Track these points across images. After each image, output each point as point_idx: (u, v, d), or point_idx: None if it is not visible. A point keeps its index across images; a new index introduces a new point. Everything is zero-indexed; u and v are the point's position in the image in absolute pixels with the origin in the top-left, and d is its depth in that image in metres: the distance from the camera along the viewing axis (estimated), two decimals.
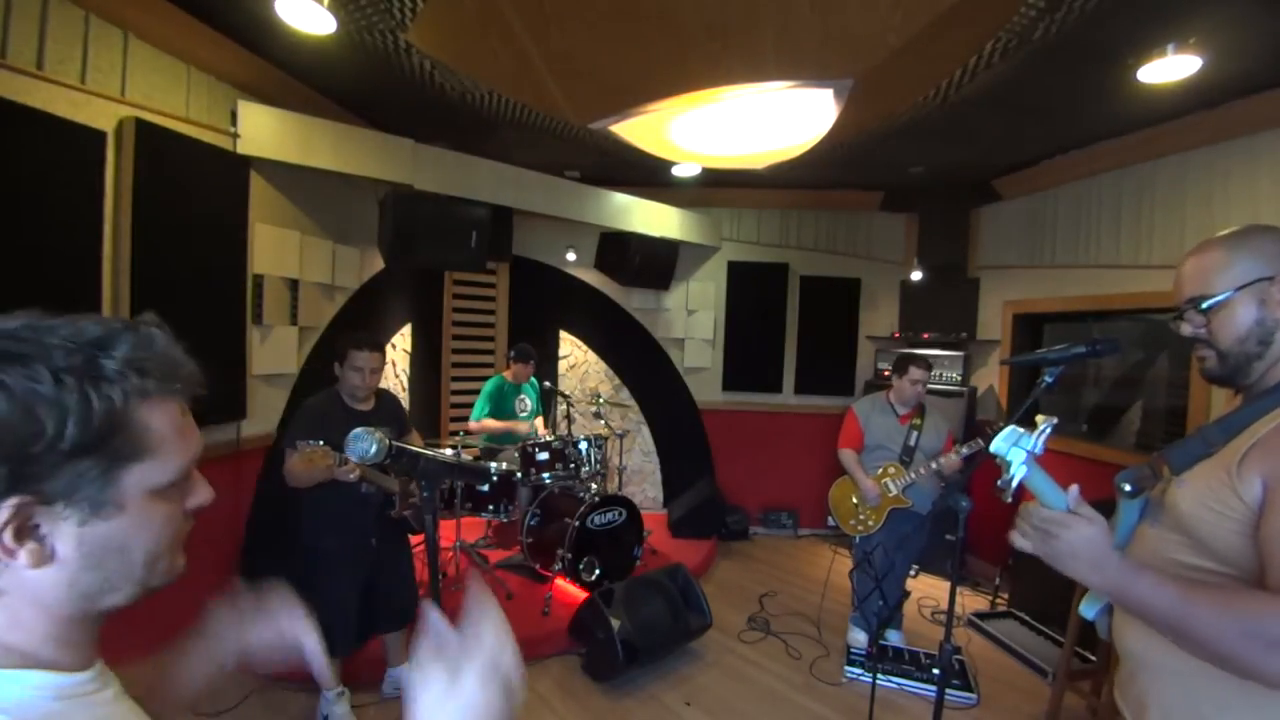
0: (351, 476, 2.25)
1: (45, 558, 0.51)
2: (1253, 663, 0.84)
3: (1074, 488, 0.99)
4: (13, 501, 0.49)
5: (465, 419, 4.95)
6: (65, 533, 0.52)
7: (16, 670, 0.52)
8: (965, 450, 3.17)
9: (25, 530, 0.50)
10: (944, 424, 3.43)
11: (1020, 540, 1.02)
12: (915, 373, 3.27)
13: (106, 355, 0.52)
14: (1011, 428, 1.03)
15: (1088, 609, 1.21)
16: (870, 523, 3.31)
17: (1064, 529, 0.96)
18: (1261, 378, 1.04)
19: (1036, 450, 1.01)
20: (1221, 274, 1.03)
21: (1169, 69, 2.50)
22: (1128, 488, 1.15)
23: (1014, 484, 1.01)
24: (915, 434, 3.32)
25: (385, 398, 2.71)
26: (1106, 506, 1.17)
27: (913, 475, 3.23)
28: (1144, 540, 1.11)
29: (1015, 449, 1.01)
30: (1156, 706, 1.03)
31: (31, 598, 0.53)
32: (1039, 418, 1.06)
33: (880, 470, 3.30)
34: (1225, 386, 1.10)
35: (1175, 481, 1.07)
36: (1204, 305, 1.04)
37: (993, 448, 1.04)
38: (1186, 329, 1.08)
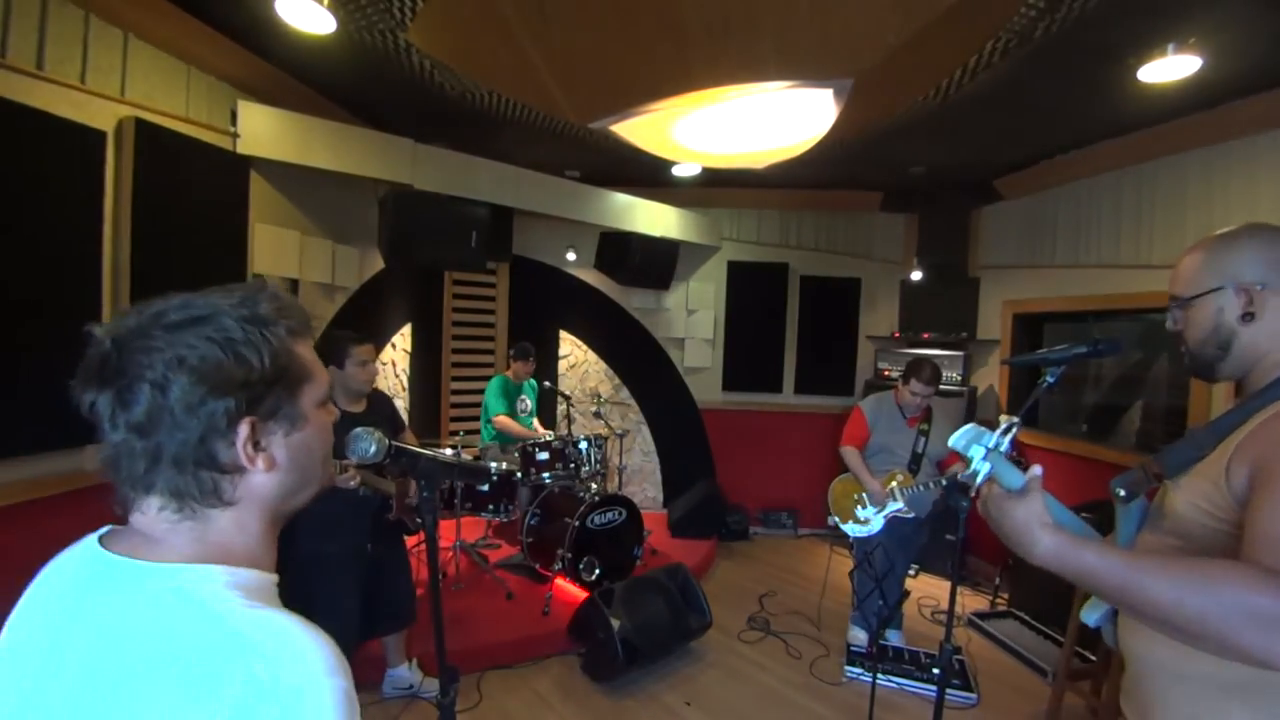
0: (352, 484, 2.24)
1: (272, 463, 0.66)
2: (1213, 634, 0.79)
3: (1035, 468, 0.96)
4: (249, 420, 0.63)
5: (465, 419, 4.96)
6: (278, 443, 0.67)
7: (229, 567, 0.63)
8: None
9: (256, 444, 0.65)
10: (950, 430, 3.39)
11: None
12: (916, 385, 3.20)
13: (260, 307, 0.65)
14: (971, 425, 1.04)
15: (1089, 615, 1.20)
16: (870, 525, 3.30)
17: (994, 510, 0.94)
18: (1246, 380, 1.05)
19: (1003, 447, 1.01)
20: (1193, 277, 1.07)
21: (1169, 69, 2.50)
22: (1122, 493, 1.15)
23: (978, 480, 0.99)
24: (923, 440, 3.30)
25: (376, 397, 2.71)
26: (1104, 509, 1.16)
27: (920, 488, 3.21)
28: (1144, 547, 1.10)
29: (976, 446, 1.01)
30: (1161, 712, 1.03)
31: (256, 501, 0.67)
32: (1002, 417, 1.07)
33: (887, 475, 3.28)
34: (1202, 380, 1.14)
35: (1170, 486, 1.07)
36: (1172, 307, 1.11)
37: (950, 442, 1.05)
38: (1169, 323, 1.14)
